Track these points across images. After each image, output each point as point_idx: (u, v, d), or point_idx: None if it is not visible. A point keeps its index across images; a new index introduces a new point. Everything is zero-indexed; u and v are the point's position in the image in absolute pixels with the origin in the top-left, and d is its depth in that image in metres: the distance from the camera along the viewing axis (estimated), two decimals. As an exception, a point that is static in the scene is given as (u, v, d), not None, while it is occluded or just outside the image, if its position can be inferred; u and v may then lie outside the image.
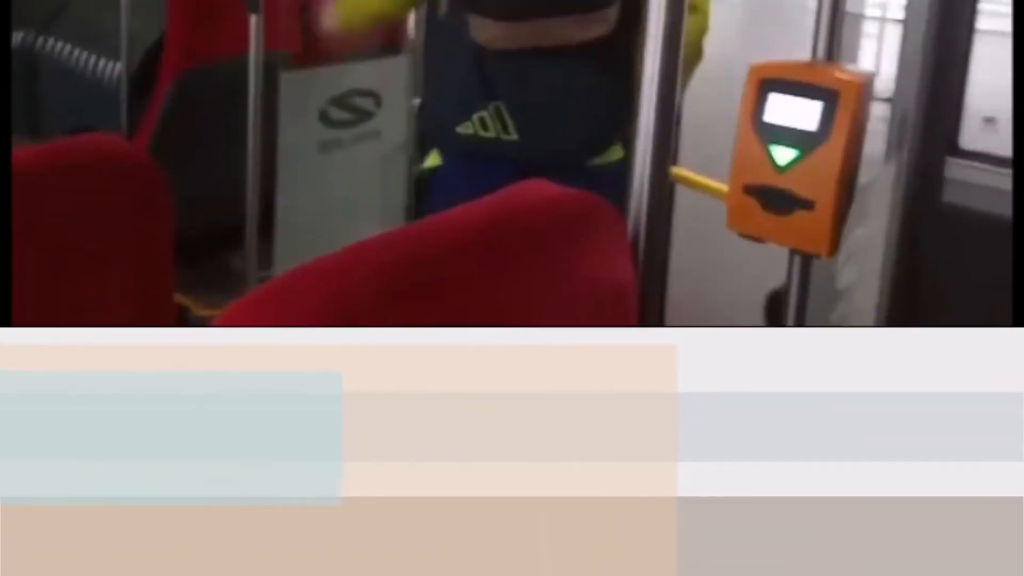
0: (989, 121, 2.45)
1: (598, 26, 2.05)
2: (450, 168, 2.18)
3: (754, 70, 1.48)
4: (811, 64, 1.52)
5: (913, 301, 2.43)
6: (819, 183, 1.43)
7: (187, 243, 1.74)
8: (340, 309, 0.91)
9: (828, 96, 1.42)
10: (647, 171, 1.33)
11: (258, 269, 2.76)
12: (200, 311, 2.55)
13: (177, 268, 1.61)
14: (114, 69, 3.39)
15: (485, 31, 2.07)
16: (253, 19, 2.56)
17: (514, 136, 2.07)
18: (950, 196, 2.40)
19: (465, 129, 2.08)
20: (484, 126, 2.08)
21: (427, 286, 1.01)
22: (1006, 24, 2.13)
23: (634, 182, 1.34)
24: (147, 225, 1.57)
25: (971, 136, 2.44)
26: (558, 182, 1.29)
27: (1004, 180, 2.31)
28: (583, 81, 2.09)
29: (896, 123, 2.32)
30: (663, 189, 1.38)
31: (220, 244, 3.04)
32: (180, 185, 1.64)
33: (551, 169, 1.69)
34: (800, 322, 1.66)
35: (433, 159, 2.23)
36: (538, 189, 1.34)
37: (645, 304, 1.40)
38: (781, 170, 1.44)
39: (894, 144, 2.34)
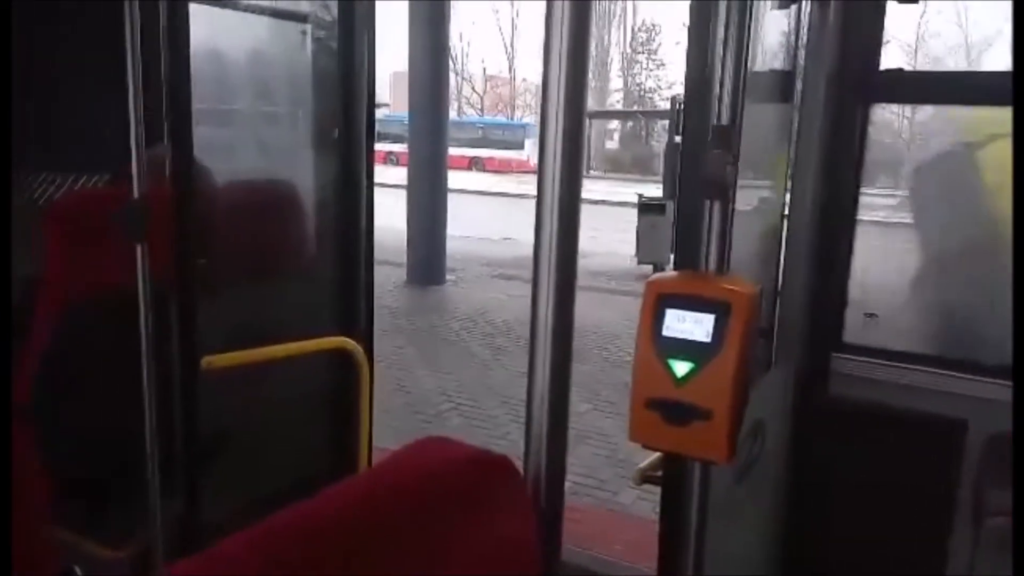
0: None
1: None
2: None
3: (651, 285, 1.50)
4: (704, 276, 1.55)
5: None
6: (715, 393, 1.44)
7: (87, 483, 1.66)
8: None
9: (720, 308, 1.44)
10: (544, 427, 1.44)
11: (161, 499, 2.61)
12: (105, 553, 2.38)
13: (79, 510, 1.54)
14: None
15: None
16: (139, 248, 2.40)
17: None
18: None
19: None
20: None
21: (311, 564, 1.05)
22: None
23: (531, 439, 1.45)
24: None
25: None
26: None
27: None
28: None
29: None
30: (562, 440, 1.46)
31: (123, 480, 2.88)
32: (73, 426, 1.58)
33: None
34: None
35: None
36: (436, 449, 1.34)
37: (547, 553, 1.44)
38: (679, 382, 1.46)
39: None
